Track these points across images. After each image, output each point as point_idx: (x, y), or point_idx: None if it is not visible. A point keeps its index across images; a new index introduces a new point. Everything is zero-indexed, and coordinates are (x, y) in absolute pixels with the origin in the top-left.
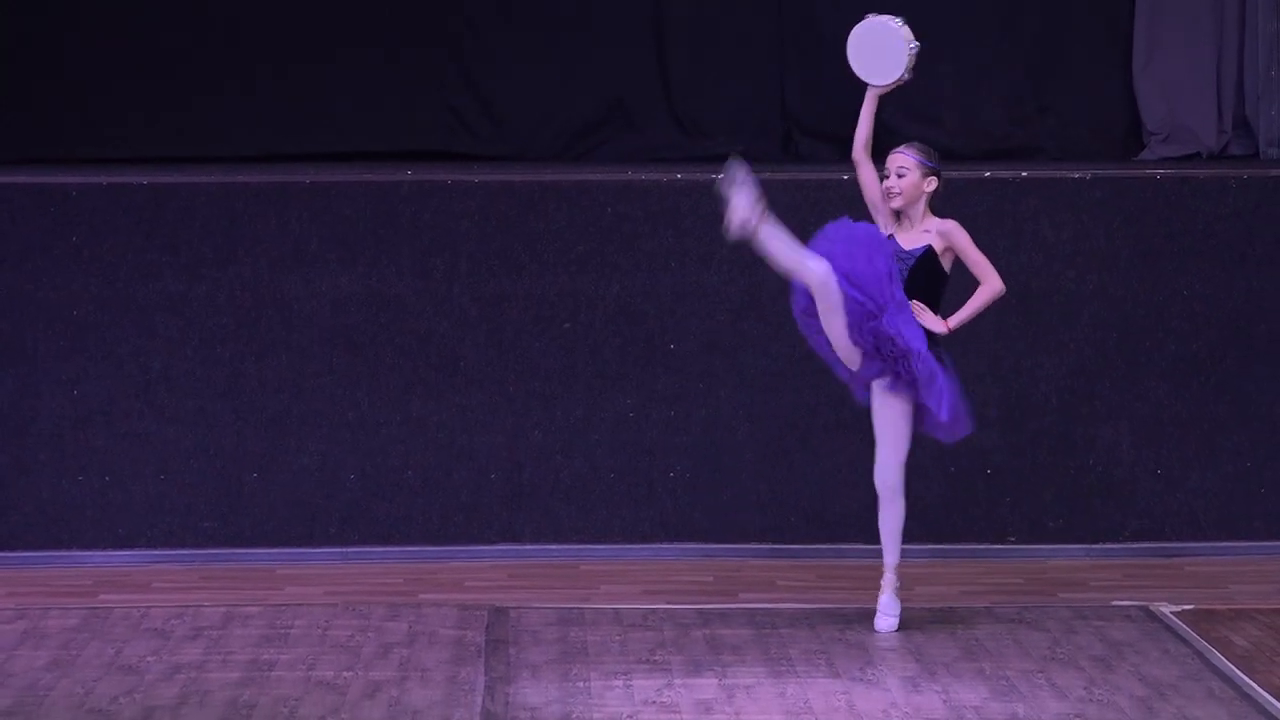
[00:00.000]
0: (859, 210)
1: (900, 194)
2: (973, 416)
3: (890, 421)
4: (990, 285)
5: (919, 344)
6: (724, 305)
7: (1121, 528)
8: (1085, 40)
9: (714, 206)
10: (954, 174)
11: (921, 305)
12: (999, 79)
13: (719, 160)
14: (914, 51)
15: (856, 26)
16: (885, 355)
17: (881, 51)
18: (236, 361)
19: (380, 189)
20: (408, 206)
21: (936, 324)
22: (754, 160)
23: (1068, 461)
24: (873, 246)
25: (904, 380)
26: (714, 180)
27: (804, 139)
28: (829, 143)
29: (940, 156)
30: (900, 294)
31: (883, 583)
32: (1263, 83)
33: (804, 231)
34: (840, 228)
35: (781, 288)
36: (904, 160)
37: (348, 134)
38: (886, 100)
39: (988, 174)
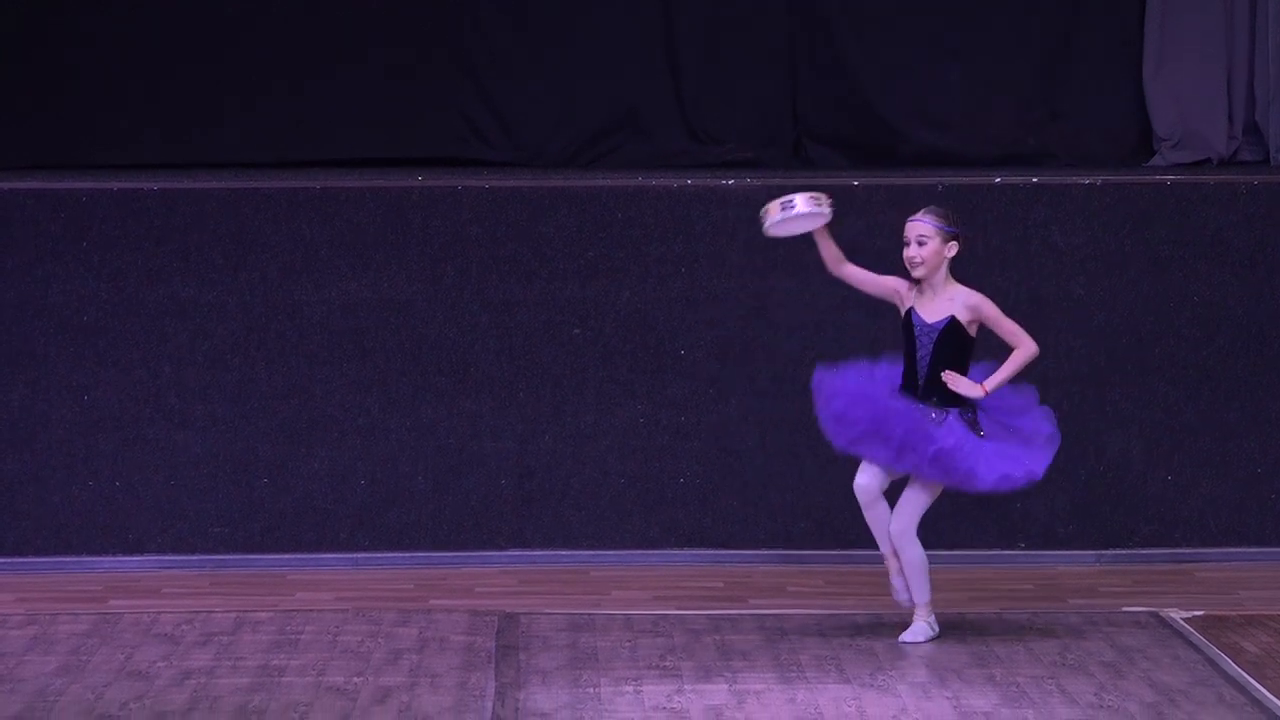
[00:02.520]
0: (865, 217)
1: (923, 263)
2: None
3: (919, 486)
4: (1025, 349)
5: (932, 449)
6: (734, 311)
7: (1132, 534)
8: (1096, 47)
9: (724, 212)
10: (965, 180)
11: (953, 374)
12: (1009, 85)
13: (730, 167)
14: (816, 207)
15: (768, 227)
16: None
17: (797, 222)
18: (247, 367)
19: (391, 195)
20: (418, 213)
21: (972, 389)
22: (765, 167)
23: (1078, 467)
24: (852, 398)
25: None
26: (725, 186)
27: (815, 145)
28: (840, 149)
29: (951, 162)
30: (902, 411)
31: (915, 614)
32: (1273, 89)
33: (811, 240)
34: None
35: (790, 294)
36: (923, 228)
37: (358, 140)
38: (895, 106)
39: (998, 180)
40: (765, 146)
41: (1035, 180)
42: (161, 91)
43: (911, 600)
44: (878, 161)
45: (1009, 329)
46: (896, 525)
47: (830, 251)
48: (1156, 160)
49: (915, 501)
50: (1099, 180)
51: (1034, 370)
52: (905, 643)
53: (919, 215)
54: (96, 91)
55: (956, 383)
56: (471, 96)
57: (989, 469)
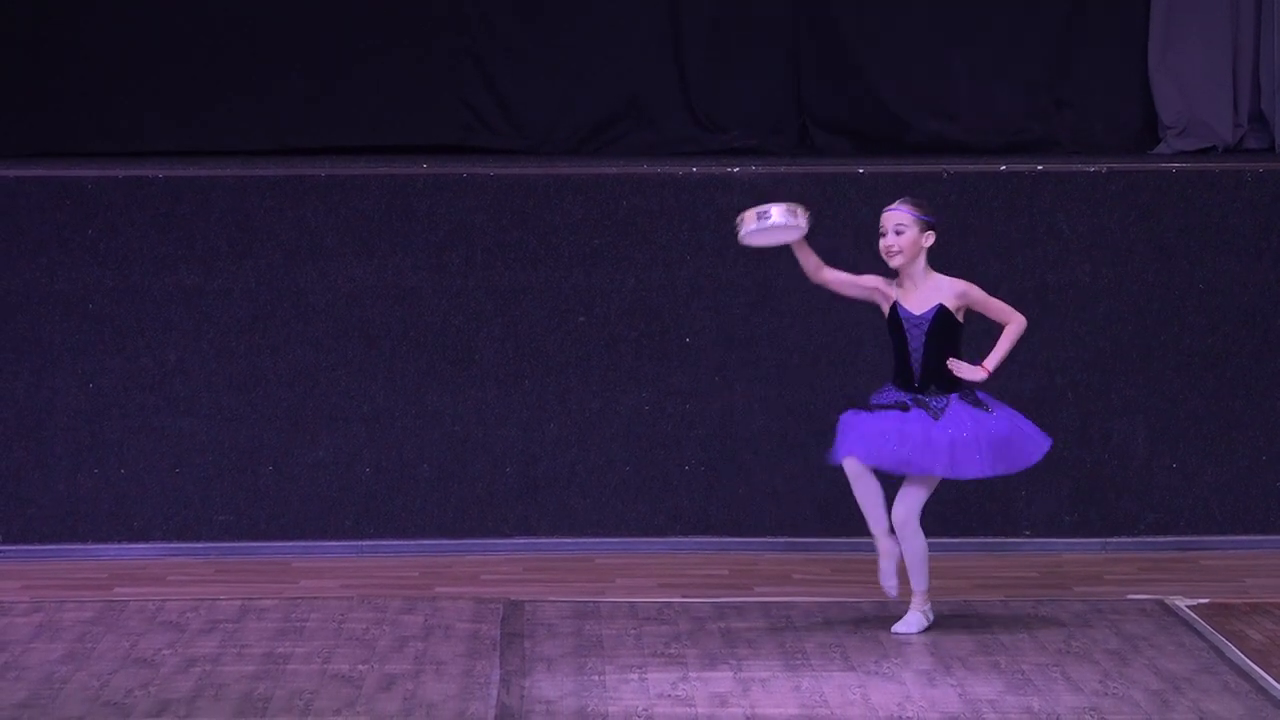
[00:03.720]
0: (871, 205)
1: (900, 251)
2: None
3: (924, 479)
4: (1017, 323)
5: (945, 459)
6: (739, 299)
7: (1137, 522)
8: (1101, 34)
9: (729, 200)
10: (970, 168)
11: (957, 361)
12: (1015, 73)
13: (735, 154)
14: (792, 219)
15: (743, 236)
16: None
17: (773, 233)
18: (252, 355)
19: (396, 183)
20: (423, 200)
21: (975, 373)
22: (770, 154)
23: (1083, 455)
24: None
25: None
26: (730, 173)
27: (819, 132)
28: (845, 136)
29: (957, 150)
30: (891, 421)
31: (912, 602)
32: (1279, 76)
33: (817, 227)
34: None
35: (795, 281)
36: (901, 217)
37: (363, 128)
38: (901, 93)
39: (1003, 168)
40: (770, 134)
41: (1041, 168)
42: (167, 79)
43: (897, 590)
44: (883, 149)
45: (997, 308)
46: (900, 514)
47: (809, 261)
48: (1162, 148)
49: (917, 490)
50: (1104, 168)
51: (1039, 357)
52: (898, 633)
53: (895, 205)
54: (102, 80)
55: (960, 369)
56: (477, 84)
57: (998, 455)
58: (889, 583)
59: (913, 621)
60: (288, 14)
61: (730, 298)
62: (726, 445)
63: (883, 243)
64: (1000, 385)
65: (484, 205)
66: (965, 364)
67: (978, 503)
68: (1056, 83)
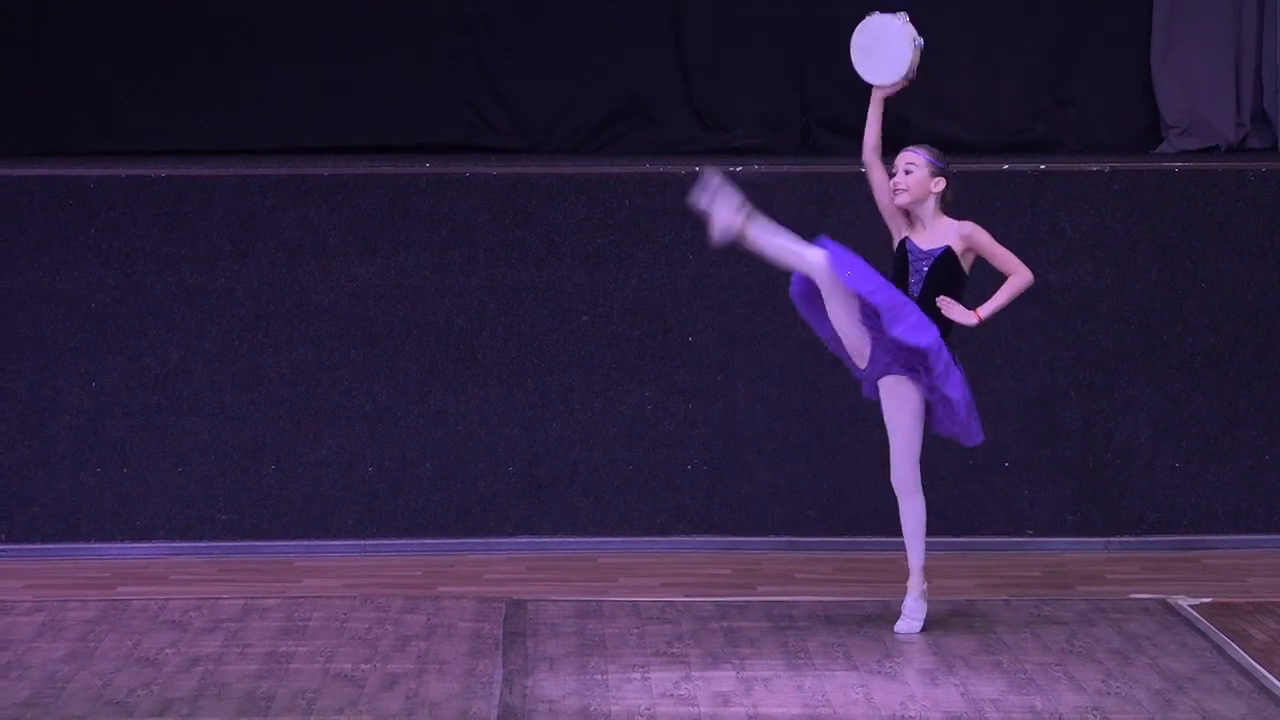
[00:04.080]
0: (874, 203)
1: (906, 190)
2: (984, 426)
3: (901, 418)
4: (1020, 275)
5: (928, 339)
6: (742, 298)
7: (1139, 521)
8: (1104, 34)
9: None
10: (973, 167)
11: (949, 300)
12: (1018, 72)
13: (737, 154)
14: (919, 48)
15: (860, 26)
16: (899, 355)
17: (885, 50)
18: (255, 354)
19: (399, 182)
20: (426, 199)
21: (966, 316)
22: (773, 153)
23: (1086, 455)
24: (861, 261)
25: (917, 374)
26: (733, 172)
27: (822, 132)
28: (847, 136)
29: (959, 150)
30: (896, 293)
31: (908, 584)
32: None
33: (820, 226)
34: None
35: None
36: (912, 157)
37: (366, 127)
38: (904, 94)
39: (1006, 167)
40: (773, 133)
41: (1043, 167)
42: (169, 79)
43: None
44: (886, 148)
45: (1003, 256)
46: (897, 474)
47: (875, 129)
48: (1165, 147)
49: (906, 442)
50: (1107, 167)
51: (1042, 357)
52: (900, 634)
53: (910, 147)
54: (105, 79)
55: (951, 308)
56: (479, 83)
57: (966, 391)
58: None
59: (913, 611)
60: (290, 13)
61: (733, 297)
62: (729, 444)
63: (891, 180)
64: (1002, 385)
65: (486, 204)
66: (958, 305)
67: (980, 502)
68: (1059, 82)
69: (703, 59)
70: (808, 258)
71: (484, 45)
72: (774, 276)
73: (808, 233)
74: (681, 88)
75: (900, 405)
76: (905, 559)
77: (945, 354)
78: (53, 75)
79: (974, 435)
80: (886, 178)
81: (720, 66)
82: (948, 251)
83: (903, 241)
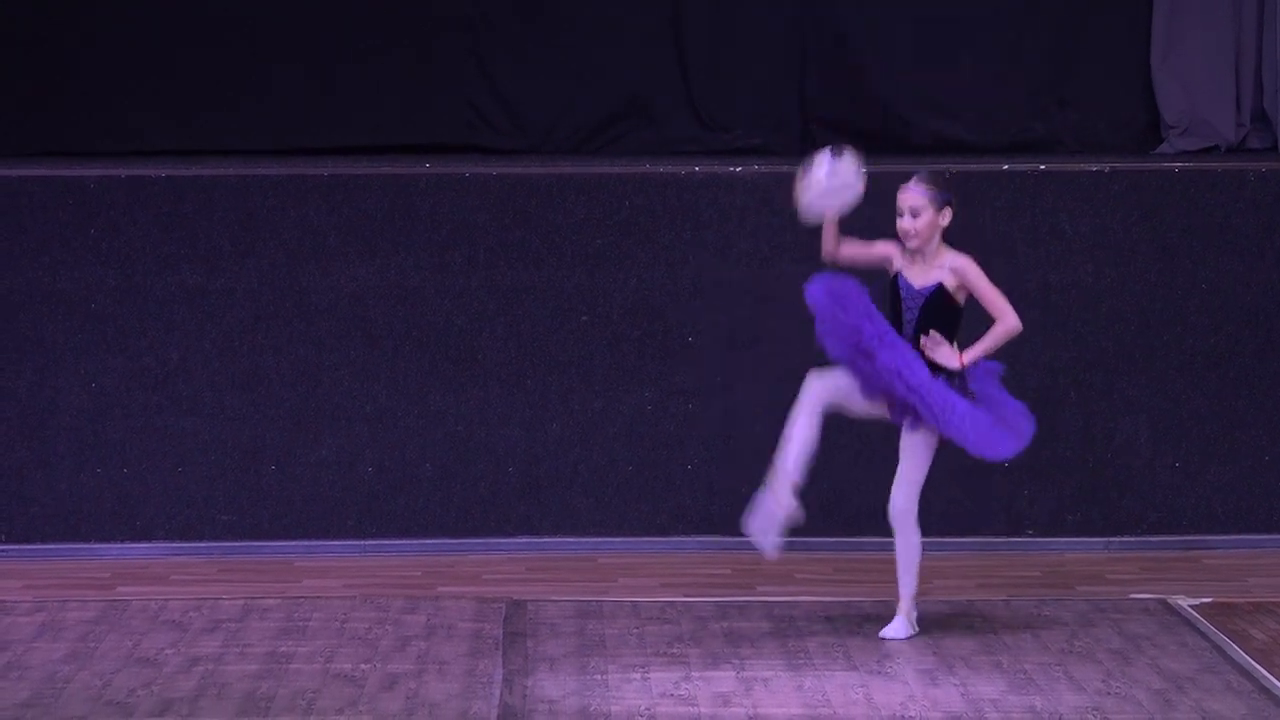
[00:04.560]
0: (876, 205)
1: (917, 235)
2: (1024, 423)
3: (910, 451)
4: (1005, 323)
5: (917, 377)
6: (742, 298)
7: (1139, 521)
8: (1104, 34)
9: (732, 199)
10: (973, 167)
11: (938, 338)
12: (1017, 72)
13: (737, 154)
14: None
15: (818, 171)
16: (895, 398)
17: (842, 186)
18: (254, 354)
19: (399, 182)
20: (426, 200)
21: (950, 359)
22: (772, 153)
23: (1086, 455)
24: (842, 297)
25: (922, 416)
26: (733, 173)
27: (823, 132)
28: (847, 136)
29: (959, 150)
30: (886, 332)
31: (897, 609)
32: None
33: (819, 225)
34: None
35: (797, 280)
36: (916, 200)
37: (366, 127)
38: (904, 93)
39: (1006, 167)
40: (773, 133)
41: (1043, 167)
42: (169, 78)
43: (774, 537)
44: (885, 148)
45: (990, 298)
46: (898, 503)
47: (833, 234)
48: (1165, 147)
49: (912, 474)
50: (1107, 167)
51: (1042, 357)
52: (886, 638)
53: (911, 185)
54: (104, 79)
55: (936, 348)
56: (479, 83)
57: (975, 419)
58: (775, 511)
59: (900, 627)
60: (290, 13)
61: (733, 297)
62: (729, 445)
63: (900, 224)
64: (1003, 384)
65: (486, 205)
66: (944, 346)
67: (980, 502)
68: (1059, 82)
69: (703, 59)
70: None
71: (484, 45)
72: (774, 277)
73: (807, 233)
74: (681, 88)
75: (911, 439)
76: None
77: (939, 393)
78: (52, 75)
79: (1002, 445)
80: (857, 247)
81: (720, 67)
82: (940, 289)
83: (895, 278)
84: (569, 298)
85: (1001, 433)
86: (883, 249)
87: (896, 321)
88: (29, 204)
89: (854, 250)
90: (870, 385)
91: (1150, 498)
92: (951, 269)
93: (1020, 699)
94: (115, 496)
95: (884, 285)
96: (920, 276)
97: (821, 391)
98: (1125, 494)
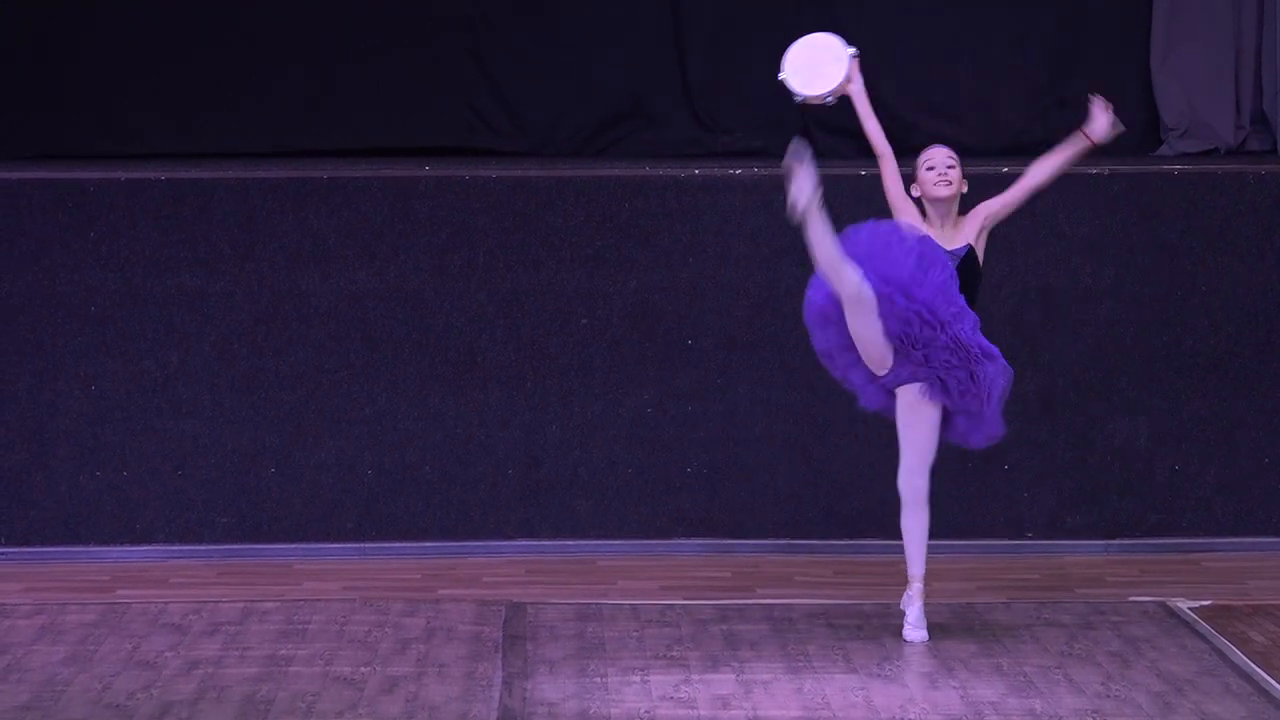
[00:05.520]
0: (874, 207)
1: (951, 183)
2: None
3: (918, 427)
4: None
5: (994, 350)
6: (742, 301)
7: (1139, 523)
8: (1103, 36)
9: (732, 201)
10: (972, 169)
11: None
12: (1017, 74)
13: (737, 156)
14: (852, 57)
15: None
16: (951, 362)
17: (818, 62)
18: (254, 357)
19: (398, 185)
20: (425, 202)
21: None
22: (772, 155)
23: (1085, 457)
24: (926, 256)
25: (946, 386)
26: (733, 175)
27: (822, 134)
28: (847, 138)
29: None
30: (961, 300)
31: (911, 594)
32: None
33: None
34: (889, 232)
35: (798, 283)
36: (949, 155)
37: (366, 130)
38: (903, 94)
39: (1005, 169)
40: (773, 135)
41: None
42: (168, 81)
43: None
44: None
45: (1020, 186)
46: (912, 482)
47: (874, 122)
48: (1164, 150)
49: (924, 451)
50: (1107, 170)
51: (1041, 358)
52: (912, 641)
53: (936, 146)
54: (104, 82)
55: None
56: (479, 86)
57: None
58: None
59: (921, 620)
60: (289, 15)
61: (732, 300)
62: (729, 447)
63: (933, 174)
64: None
65: (486, 207)
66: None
67: (980, 504)
68: (1058, 84)
69: (702, 61)
70: (846, 277)
71: (484, 47)
72: (773, 279)
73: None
74: (681, 90)
75: (919, 414)
76: (906, 565)
77: (1001, 370)
78: (52, 77)
79: (994, 438)
80: (898, 172)
81: (720, 69)
82: (970, 251)
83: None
84: (569, 300)
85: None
86: (903, 201)
87: None
88: (28, 206)
89: (894, 169)
90: (925, 346)
91: (1150, 500)
92: (974, 221)
93: (1020, 702)
94: (115, 499)
95: None
96: (948, 240)
97: (861, 281)
98: (1125, 496)
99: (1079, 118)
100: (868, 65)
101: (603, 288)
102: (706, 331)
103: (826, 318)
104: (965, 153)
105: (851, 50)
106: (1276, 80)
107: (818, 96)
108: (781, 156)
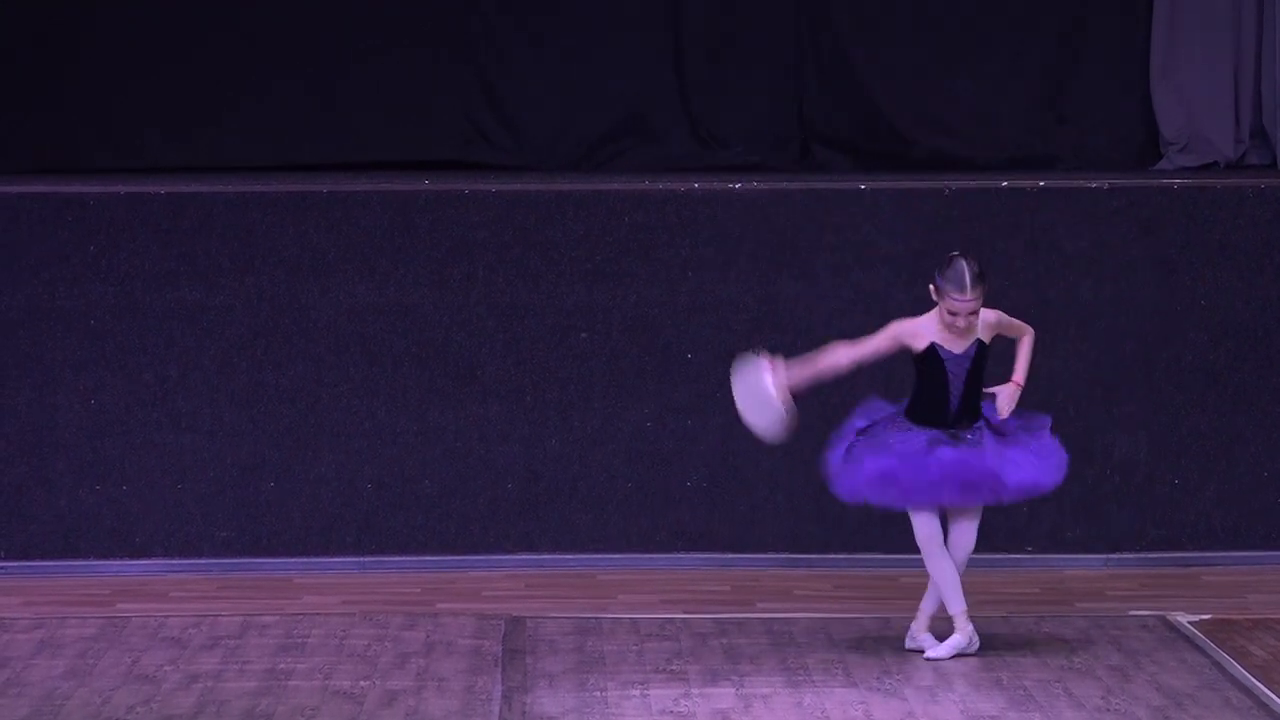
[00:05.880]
0: (872, 220)
1: (968, 326)
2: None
3: (977, 510)
4: (1029, 334)
5: (1023, 476)
6: (740, 315)
7: (1139, 537)
8: (1103, 50)
9: (731, 216)
10: (971, 184)
11: (1008, 392)
12: (1016, 89)
13: (736, 170)
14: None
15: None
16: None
17: (755, 390)
18: (254, 371)
19: (398, 199)
20: (425, 216)
21: (1015, 393)
22: (771, 170)
23: (1085, 471)
24: (906, 459)
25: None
26: (732, 190)
27: (821, 149)
28: (847, 153)
29: (958, 167)
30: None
31: (956, 627)
32: None
33: (818, 243)
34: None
35: (796, 297)
36: (972, 304)
37: (365, 144)
38: (902, 109)
39: (1005, 184)
40: (772, 150)
41: (1042, 184)
42: (168, 95)
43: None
44: (885, 165)
45: (1018, 325)
46: (968, 543)
47: (813, 373)
48: (1164, 164)
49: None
50: (1106, 184)
51: (1040, 372)
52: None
53: (963, 297)
54: (103, 95)
55: (1001, 399)
56: (479, 100)
57: (1018, 474)
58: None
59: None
60: (289, 29)
61: (731, 314)
62: (728, 461)
63: (952, 320)
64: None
65: (486, 221)
66: (1004, 394)
67: (981, 519)
68: (1058, 99)
69: (702, 76)
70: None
71: (484, 62)
72: (772, 293)
73: (806, 249)
74: (680, 105)
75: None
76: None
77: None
78: (51, 91)
79: (1053, 473)
80: (859, 348)
81: (719, 83)
82: (981, 347)
83: (931, 348)
84: (568, 314)
85: (1046, 462)
86: (894, 334)
87: (941, 389)
88: (28, 220)
89: (863, 354)
90: (961, 495)
91: (1149, 514)
92: (987, 325)
93: (1020, 715)
94: (114, 513)
95: (912, 360)
96: (958, 342)
97: (931, 526)
98: (1124, 510)
99: (1078, 132)
100: (865, 79)
101: (602, 301)
102: (705, 345)
103: (886, 480)
104: (964, 167)
105: (759, 360)
106: (1276, 94)
107: (780, 411)
108: (780, 171)
